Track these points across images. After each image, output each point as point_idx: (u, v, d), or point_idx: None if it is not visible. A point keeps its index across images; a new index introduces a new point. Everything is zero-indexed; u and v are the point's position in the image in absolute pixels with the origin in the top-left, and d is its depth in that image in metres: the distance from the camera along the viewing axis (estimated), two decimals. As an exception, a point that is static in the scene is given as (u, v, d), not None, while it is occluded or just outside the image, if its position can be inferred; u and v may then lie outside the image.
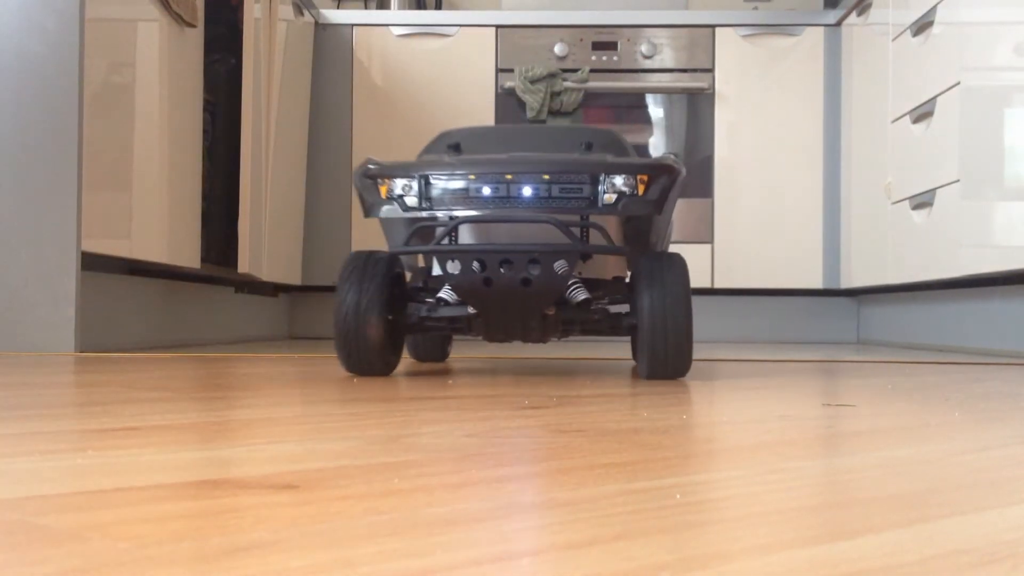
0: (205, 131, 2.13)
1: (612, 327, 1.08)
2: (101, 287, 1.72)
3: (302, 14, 2.60)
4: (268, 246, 2.33)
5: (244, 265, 2.17)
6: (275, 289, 2.71)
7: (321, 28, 2.76)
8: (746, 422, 0.72)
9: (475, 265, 1.00)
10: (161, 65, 1.83)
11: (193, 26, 1.95)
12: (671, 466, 0.51)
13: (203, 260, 2.10)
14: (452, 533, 0.34)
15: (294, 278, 2.62)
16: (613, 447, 0.57)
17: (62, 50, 1.59)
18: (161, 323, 2.00)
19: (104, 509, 0.37)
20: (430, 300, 1.09)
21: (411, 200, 1.02)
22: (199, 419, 0.69)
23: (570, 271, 1.01)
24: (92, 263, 1.68)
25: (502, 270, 0.99)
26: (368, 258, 1.07)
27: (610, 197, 1.00)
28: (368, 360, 1.07)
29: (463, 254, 0.99)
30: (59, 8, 1.59)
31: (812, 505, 0.41)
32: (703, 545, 0.33)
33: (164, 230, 1.86)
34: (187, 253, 1.97)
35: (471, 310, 1.05)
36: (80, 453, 0.51)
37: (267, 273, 2.33)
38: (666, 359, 1.03)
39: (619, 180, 1.00)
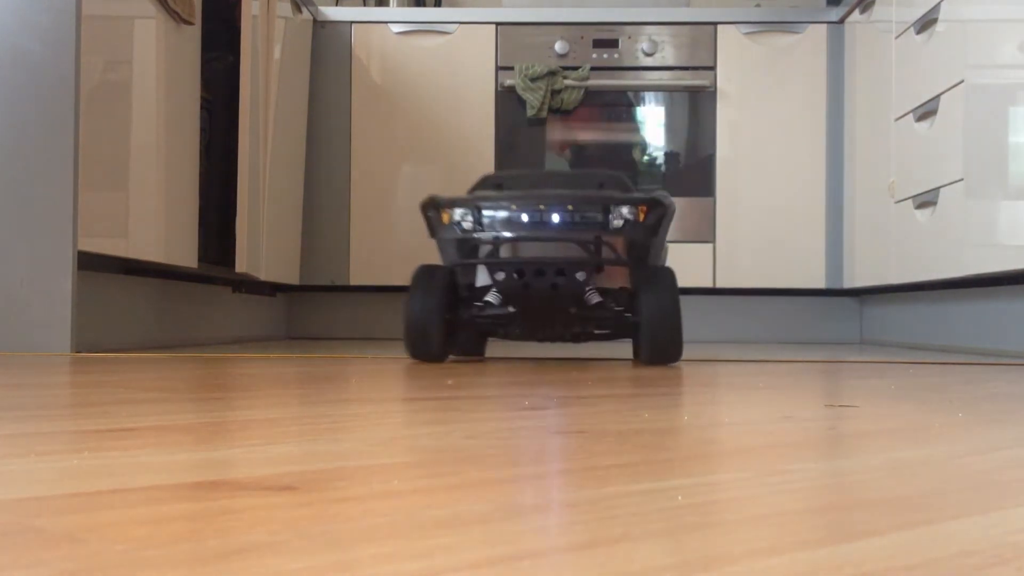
0: (202, 129, 2.13)
1: (618, 325, 1.37)
2: (97, 287, 1.72)
3: (300, 11, 2.60)
4: (266, 245, 2.33)
5: (242, 264, 2.17)
6: (273, 289, 2.71)
7: (320, 25, 2.76)
8: (748, 423, 0.71)
9: (515, 275, 1.31)
10: (158, 63, 1.83)
11: (190, 23, 1.95)
12: (673, 468, 0.50)
13: (200, 259, 2.10)
14: (452, 535, 0.34)
15: (292, 278, 2.62)
16: (614, 448, 0.57)
17: (58, 47, 1.58)
18: (158, 323, 1.99)
19: (100, 511, 0.37)
20: (479, 303, 1.37)
21: (467, 225, 1.32)
22: (196, 420, 0.68)
23: (588, 279, 1.30)
24: (88, 262, 1.67)
25: (537, 278, 1.30)
26: (432, 271, 1.36)
27: (618, 222, 1.29)
28: (429, 350, 1.36)
29: (508, 265, 1.30)
30: (55, 5, 1.58)
31: (815, 507, 0.40)
32: (705, 547, 0.32)
33: (161, 229, 1.85)
34: (184, 252, 1.97)
35: (511, 310, 1.34)
36: (76, 454, 0.51)
37: (265, 272, 2.33)
38: (664, 347, 1.32)
39: (625, 210, 1.29)
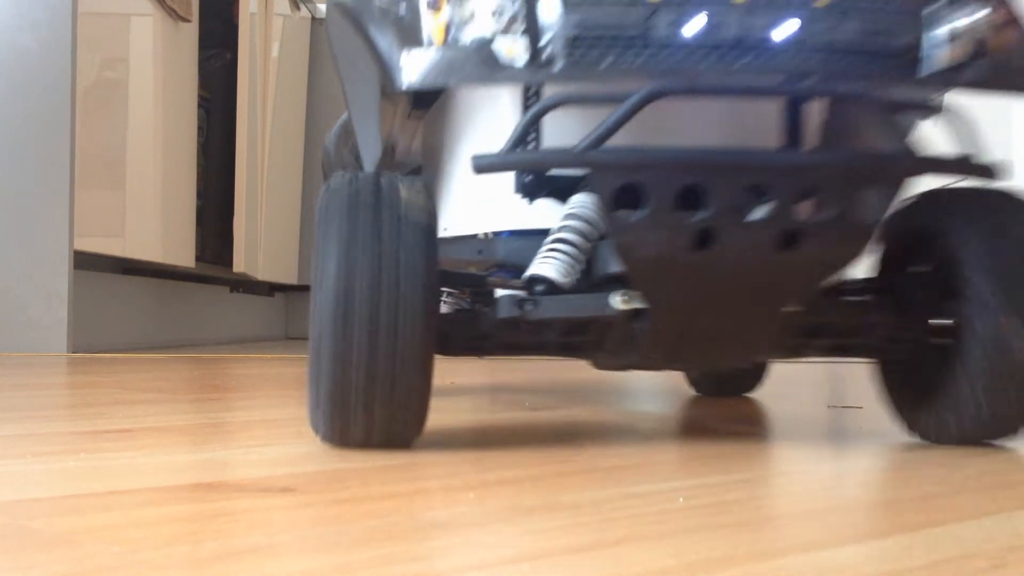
0: (200, 128, 2.12)
1: (900, 340, 0.56)
2: (94, 286, 1.71)
3: (299, 8, 2.60)
4: (264, 244, 2.32)
5: (239, 264, 2.16)
6: (271, 289, 2.71)
7: (318, 23, 2.75)
8: (749, 424, 0.71)
9: (676, 199, 0.47)
10: (155, 60, 1.82)
11: (188, 21, 1.94)
12: (673, 469, 0.50)
13: (198, 259, 2.10)
14: (451, 537, 0.33)
15: (290, 277, 2.62)
16: (615, 450, 0.57)
17: (54, 45, 1.58)
18: (155, 323, 1.99)
19: (97, 512, 0.37)
20: (513, 289, 0.53)
21: (507, 46, 0.48)
22: (194, 421, 0.68)
23: (879, 214, 0.52)
24: (85, 262, 1.67)
25: (733, 215, 0.47)
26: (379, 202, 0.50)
27: (950, 54, 0.51)
28: (398, 414, 0.52)
29: (659, 172, 0.47)
30: (51, 2, 1.58)
31: (817, 509, 0.40)
32: (706, 550, 0.32)
33: (158, 228, 1.85)
34: (181, 252, 1.97)
35: (633, 304, 0.50)
36: (72, 455, 0.51)
37: (263, 272, 2.33)
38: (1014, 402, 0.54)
39: (967, 19, 0.51)
